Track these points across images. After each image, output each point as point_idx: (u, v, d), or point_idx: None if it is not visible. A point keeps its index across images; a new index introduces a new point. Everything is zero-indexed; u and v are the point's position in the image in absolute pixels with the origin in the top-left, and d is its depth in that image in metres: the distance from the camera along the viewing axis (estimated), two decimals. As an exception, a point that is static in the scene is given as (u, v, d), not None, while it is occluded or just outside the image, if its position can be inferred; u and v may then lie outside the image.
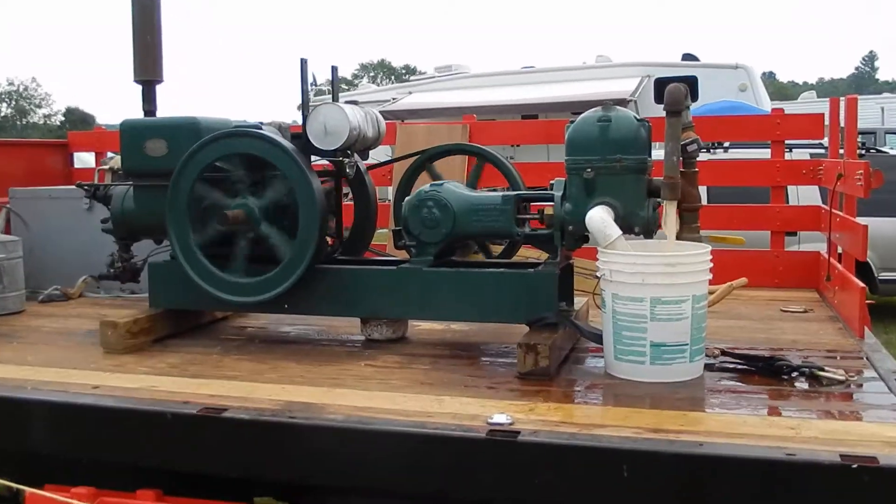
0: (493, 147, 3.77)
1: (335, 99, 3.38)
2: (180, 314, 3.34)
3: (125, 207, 3.42)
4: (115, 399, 2.43)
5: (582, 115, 2.82)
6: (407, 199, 3.09)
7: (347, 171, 3.26)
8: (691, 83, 11.96)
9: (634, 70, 13.48)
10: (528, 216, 3.02)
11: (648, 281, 2.52)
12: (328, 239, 3.36)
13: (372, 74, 60.81)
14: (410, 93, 15.34)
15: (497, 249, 3.54)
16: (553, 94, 13.08)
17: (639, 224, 2.76)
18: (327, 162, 3.35)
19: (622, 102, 11.21)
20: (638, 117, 2.80)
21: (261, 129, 3.15)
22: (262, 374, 2.72)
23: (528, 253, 3.66)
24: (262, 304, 3.09)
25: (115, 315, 3.18)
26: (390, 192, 4.70)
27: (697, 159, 2.91)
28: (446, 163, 3.73)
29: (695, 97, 11.81)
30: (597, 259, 2.67)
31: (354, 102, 3.35)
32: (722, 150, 7.53)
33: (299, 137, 3.17)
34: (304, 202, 2.99)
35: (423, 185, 3.12)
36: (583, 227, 2.76)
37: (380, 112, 3.48)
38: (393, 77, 58.53)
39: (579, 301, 3.19)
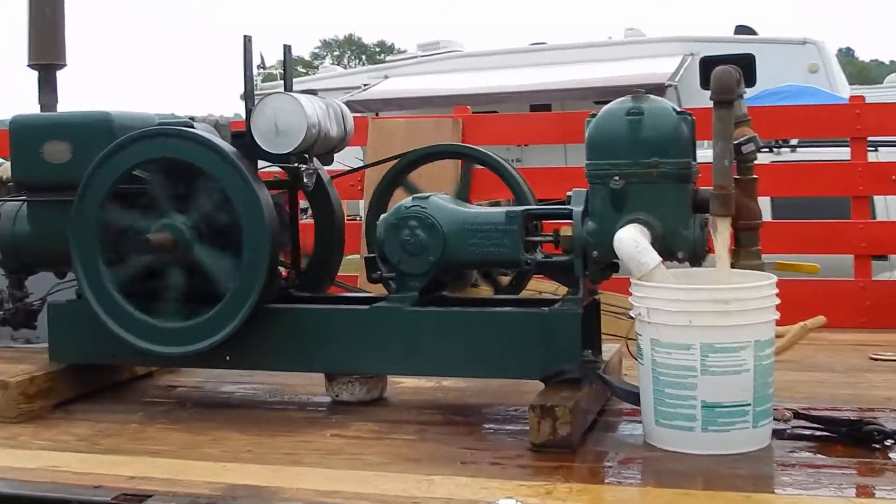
0: (494, 148, 3.78)
1: (289, 87, 3.38)
2: (90, 370, 3.34)
3: (17, 230, 3.42)
4: (5, 483, 2.41)
5: (606, 107, 2.86)
6: (383, 217, 3.10)
7: (305, 180, 3.27)
8: (747, 64, 12.00)
9: (674, 47, 13.56)
10: (540, 238, 3.05)
11: (697, 322, 2.52)
12: (281, 270, 3.36)
13: (336, 54, 61.11)
14: (386, 77, 15.39)
15: (501, 281, 3.53)
16: (570, 77, 13.13)
17: (683, 247, 2.79)
18: (279, 169, 3.35)
19: (659, 89, 11.24)
20: (678, 109, 2.83)
21: (192, 126, 3.15)
22: (196, 449, 2.70)
23: (540, 286, 3.66)
24: (196, 357, 3.09)
25: (5, 372, 3.15)
26: (362, 207, 4.70)
27: (756, 162, 2.94)
28: (433, 169, 3.74)
29: (751, 81, 11.83)
30: (630, 294, 2.68)
31: (313, 91, 3.36)
32: (788, 150, 7.57)
33: (242, 137, 3.18)
34: (248, 222, 3.00)
35: (404, 198, 3.15)
36: (611, 252, 2.78)
37: (347, 103, 3.49)
38: (364, 57, 58.81)
39: (609, 349, 3.19)
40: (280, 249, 3.25)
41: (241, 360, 3.13)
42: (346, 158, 4.09)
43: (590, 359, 2.94)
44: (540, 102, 12.93)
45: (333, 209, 3.52)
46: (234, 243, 3.04)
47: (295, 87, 3.40)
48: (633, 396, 2.75)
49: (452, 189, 3.51)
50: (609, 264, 2.90)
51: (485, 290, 3.45)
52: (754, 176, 2.93)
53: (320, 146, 3.28)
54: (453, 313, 2.98)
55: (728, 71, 2.76)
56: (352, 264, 4.02)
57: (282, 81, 3.44)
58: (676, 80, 12.29)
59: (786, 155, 7.43)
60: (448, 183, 3.93)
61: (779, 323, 2.67)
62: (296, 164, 3.24)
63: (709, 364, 2.52)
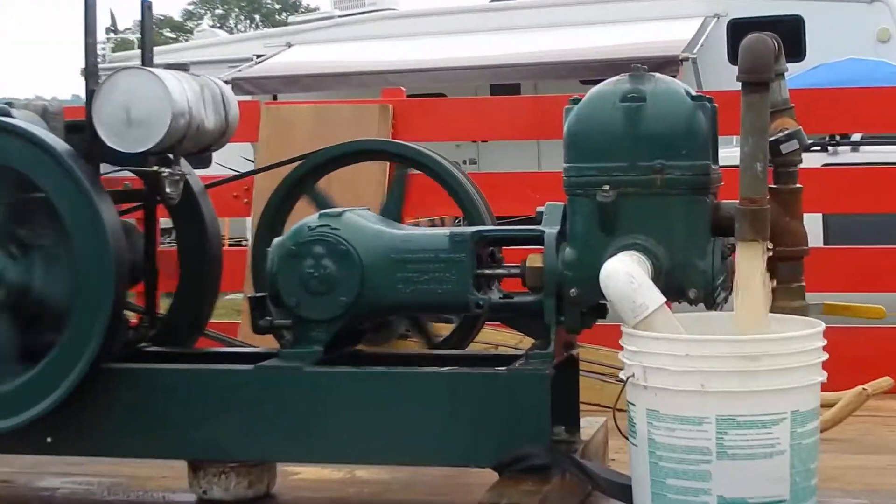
0: (439, 145, 3.83)
1: (147, 60, 3.40)
2: None
3: None
4: None
5: (594, 90, 2.92)
6: (277, 241, 3.13)
7: (168, 190, 3.28)
8: (792, 29, 12.14)
9: (693, 5, 13.69)
10: (497, 271, 3.11)
11: (713, 386, 2.55)
12: (130, 315, 3.36)
13: (219, 12, 60.96)
14: (289, 45, 15.38)
15: (442, 331, 3.57)
16: (547, 48, 13.20)
17: (696, 284, 2.84)
18: (131, 175, 3.37)
19: (670, 64, 11.30)
20: (694, 92, 2.89)
21: (8, 114, 3.16)
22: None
23: (497, 337, 3.73)
24: (6, 437, 3.06)
25: None
26: (248, 228, 4.68)
27: (801, 166, 3.00)
28: (351, 175, 3.80)
29: (798, 54, 11.98)
30: (621, 348, 2.72)
31: (183, 66, 3.36)
32: (847, 150, 7.64)
33: (81, 130, 3.20)
34: (83, 247, 3.00)
35: (310, 213, 3.20)
36: (596, 291, 2.79)
37: (233, 81, 3.50)
38: (258, 18, 58.73)
39: (590, 423, 3.21)
40: (129, 286, 3.25)
41: (70, 443, 3.12)
42: (230, 159, 4.09)
43: (563, 438, 2.97)
44: (504, 82, 12.95)
45: (207, 230, 3.54)
46: (65, 277, 3.05)
47: (158, 60, 3.42)
48: (623, 490, 2.76)
49: (378, 204, 3.51)
50: (593, 307, 2.95)
51: (416, 344, 3.51)
52: (798, 185, 2.99)
53: (191, 142, 3.29)
54: (373, 375, 3.02)
55: (763, 40, 2.79)
56: (232, 307, 4.00)
57: (139, 52, 3.44)
58: (695, 51, 12.38)
59: (844, 155, 7.50)
60: (371, 195, 3.95)
61: (827, 387, 2.71)
62: (155, 168, 3.24)
63: (728, 444, 2.53)
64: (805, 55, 12.19)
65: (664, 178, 2.82)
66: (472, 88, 12.74)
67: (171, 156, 3.27)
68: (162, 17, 47.00)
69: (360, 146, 3.77)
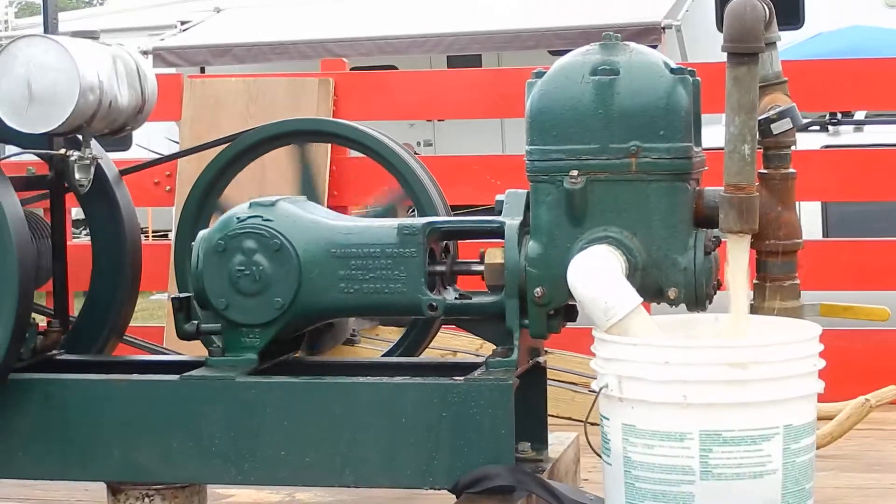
0: (388, 125, 3.76)
1: (51, 27, 3.39)
2: None
3: None
4: None
5: (561, 62, 2.97)
6: (203, 234, 3.15)
7: (77, 176, 3.27)
8: (786, -9, 12.06)
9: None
10: (453, 268, 3.15)
11: (697, 398, 2.56)
12: (37, 319, 3.34)
13: (136, -28, 60.39)
14: (218, 11, 15.27)
15: (391, 335, 3.63)
16: (512, 13, 13.14)
17: (676, 283, 2.87)
18: (35, 159, 3.41)
19: (650, 32, 11.20)
20: (674, 64, 2.93)
21: None
22: None
23: (455, 343, 3.78)
24: None
25: None
26: (173, 219, 4.65)
27: (795, 149, 3.01)
28: (285, 160, 3.77)
29: (794, 20, 11.93)
30: (592, 355, 2.75)
31: (92, 34, 3.34)
32: (850, 130, 7.60)
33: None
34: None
35: (241, 202, 3.20)
36: (564, 290, 2.86)
37: (154, 52, 3.49)
38: (182, -22, 58.20)
39: (559, 440, 3.21)
40: (34, 286, 3.23)
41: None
42: (154, 141, 4.08)
43: (528, 456, 2.96)
44: (463, 53, 12.87)
45: (123, 221, 3.54)
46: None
47: (66, 27, 3.41)
48: (595, 515, 2.75)
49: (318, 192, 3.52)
50: (561, 309, 2.98)
51: (364, 351, 3.54)
52: (791, 170, 2.99)
53: (102, 121, 3.29)
54: (313, 386, 3.04)
55: (751, 4, 2.79)
56: (155, 309, 3.98)
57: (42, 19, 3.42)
58: (679, 17, 12.32)
59: (846, 136, 7.45)
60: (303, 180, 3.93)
61: (825, 398, 2.73)
62: (63, 151, 3.25)
63: (713, 463, 2.54)
64: (803, 21, 12.17)
65: (640, 162, 2.86)
66: (427, 60, 12.68)
67: (79, 137, 3.26)
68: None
69: (297, 126, 3.77)
